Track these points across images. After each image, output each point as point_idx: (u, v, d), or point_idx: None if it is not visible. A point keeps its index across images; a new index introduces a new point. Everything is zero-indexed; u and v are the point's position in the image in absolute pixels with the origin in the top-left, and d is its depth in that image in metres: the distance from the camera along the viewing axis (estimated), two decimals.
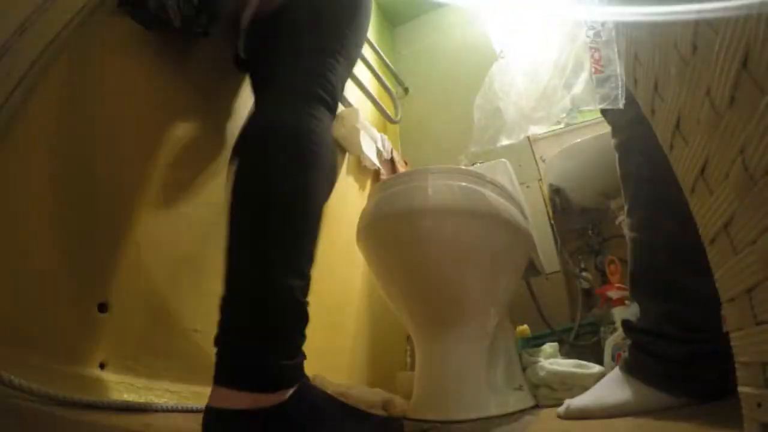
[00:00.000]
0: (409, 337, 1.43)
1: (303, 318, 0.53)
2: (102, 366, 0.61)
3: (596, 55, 0.69)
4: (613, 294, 1.17)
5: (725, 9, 0.27)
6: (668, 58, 0.37)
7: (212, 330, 0.51)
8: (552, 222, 1.58)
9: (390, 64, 2.07)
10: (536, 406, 0.96)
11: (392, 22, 2.38)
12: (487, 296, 0.95)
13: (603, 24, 0.68)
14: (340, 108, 0.98)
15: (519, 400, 0.93)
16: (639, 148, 0.74)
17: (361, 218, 0.97)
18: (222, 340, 0.49)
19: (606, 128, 1.46)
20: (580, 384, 0.94)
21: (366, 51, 1.86)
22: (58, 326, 0.57)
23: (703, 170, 0.35)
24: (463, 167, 1.13)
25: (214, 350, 0.49)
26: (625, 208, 0.79)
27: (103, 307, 0.64)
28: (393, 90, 2.04)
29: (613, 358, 1.04)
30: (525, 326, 1.29)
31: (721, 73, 0.28)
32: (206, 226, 0.80)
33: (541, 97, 0.81)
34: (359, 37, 0.72)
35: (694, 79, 0.33)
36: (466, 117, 2.02)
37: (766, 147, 0.25)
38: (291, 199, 0.54)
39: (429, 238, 0.86)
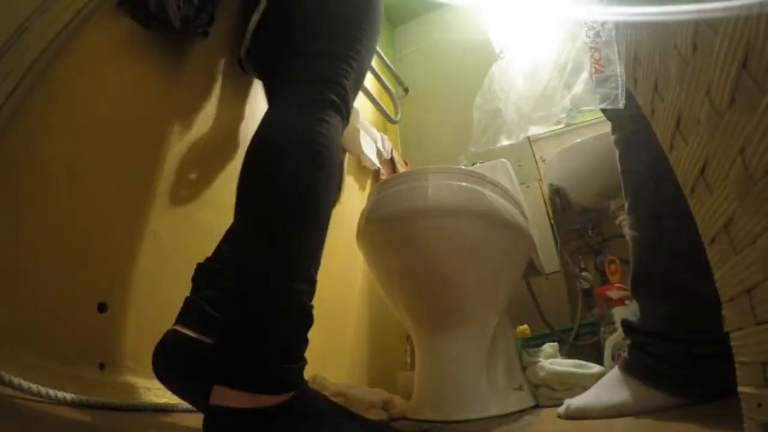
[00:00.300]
0: (409, 337, 1.43)
1: (307, 321, 0.53)
2: (102, 366, 0.61)
3: (596, 55, 0.69)
4: (613, 294, 1.17)
5: (725, 9, 0.27)
6: (668, 58, 0.37)
7: None
8: (552, 222, 1.58)
9: (390, 64, 2.07)
10: (536, 406, 0.96)
11: (392, 22, 2.38)
12: (487, 296, 0.95)
13: (603, 24, 0.68)
14: None
15: (519, 400, 0.93)
16: (641, 144, 0.73)
17: (361, 218, 0.97)
18: (224, 337, 0.49)
19: (606, 128, 1.46)
20: (580, 384, 0.94)
21: None
22: (58, 326, 0.57)
23: (703, 170, 0.35)
24: (463, 167, 1.13)
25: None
26: (626, 205, 0.78)
27: (103, 307, 0.64)
28: (393, 90, 2.04)
29: (613, 358, 1.04)
30: (525, 326, 1.29)
31: (721, 73, 0.28)
32: (209, 226, 0.80)
33: (541, 97, 0.81)
34: (372, 43, 0.72)
35: (694, 79, 0.33)
36: (466, 117, 2.02)
37: (766, 147, 0.25)
38: (300, 204, 0.54)
39: (429, 238, 0.86)
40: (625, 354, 0.75)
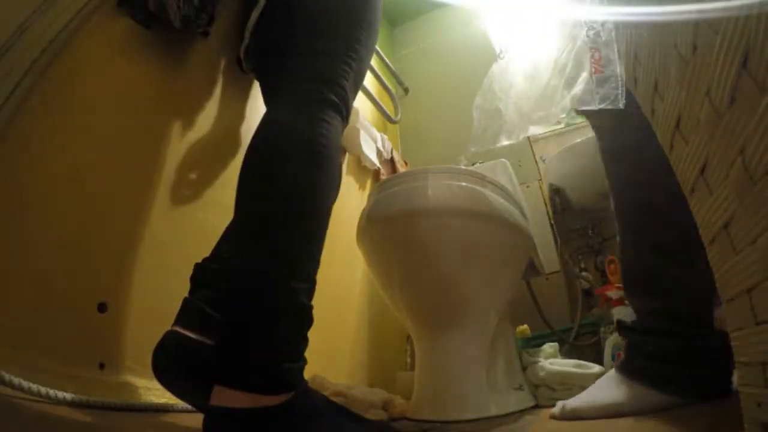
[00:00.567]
0: (409, 337, 1.43)
1: (307, 321, 0.53)
2: (102, 366, 0.61)
3: (596, 55, 0.69)
4: (613, 294, 1.17)
5: (725, 9, 0.27)
6: (668, 58, 0.37)
7: None
8: (552, 222, 1.58)
9: (390, 64, 2.07)
10: (536, 406, 0.96)
11: (392, 22, 2.38)
12: (487, 296, 0.95)
13: (603, 24, 0.67)
14: None
15: (519, 400, 0.93)
16: (619, 154, 0.77)
17: (361, 218, 0.97)
18: (223, 338, 0.49)
19: None
20: (579, 384, 0.94)
21: None
22: (58, 326, 0.57)
23: (703, 170, 0.35)
24: (463, 167, 1.13)
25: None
26: (612, 208, 0.80)
27: (102, 307, 0.64)
28: (393, 90, 2.04)
29: (613, 358, 1.04)
30: (525, 326, 1.29)
31: (721, 73, 0.28)
32: (209, 226, 0.80)
33: (541, 97, 0.81)
34: (371, 43, 0.72)
35: (694, 79, 0.33)
36: (466, 117, 2.01)
37: (766, 147, 0.25)
38: (300, 204, 0.54)
39: (429, 238, 0.86)
40: (622, 357, 0.75)
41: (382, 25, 2.31)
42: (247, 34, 0.76)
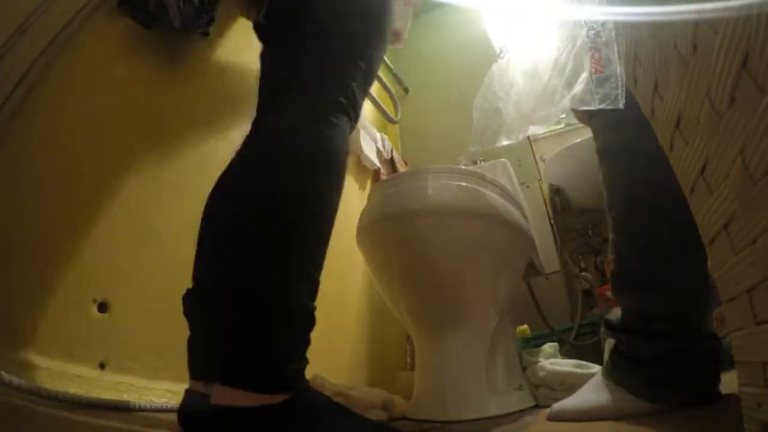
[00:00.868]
0: (409, 337, 1.43)
1: (309, 322, 0.53)
2: (102, 366, 0.61)
3: (596, 55, 0.69)
4: None
5: (725, 9, 0.27)
6: (668, 58, 0.37)
7: None
8: (552, 222, 1.58)
9: (390, 64, 2.07)
10: (536, 406, 0.96)
11: None
12: (487, 296, 0.95)
13: (603, 24, 0.68)
14: None
15: (519, 400, 0.93)
16: (613, 152, 0.77)
17: (361, 218, 0.97)
18: (224, 337, 0.49)
19: None
20: (579, 384, 0.94)
21: None
22: (57, 326, 0.57)
23: (703, 170, 0.35)
24: (462, 167, 1.13)
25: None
26: (606, 209, 0.79)
27: (103, 307, 0.64)
28: (393, 90, 2.04)
29: None
30: (525, 326, 1.29)
31: (721, 73, 0.28)
32: None
33: (541, 97, 0.81)
34: (382, 45, 0.71)
35: (694, 79, 0.33)
36: (466, 117, 2.01)
37: (766, 147, 0.25)
38: (303, 205, 0.54)
39: (429, 238, 0.86)
40: (606, 360, 0.75)
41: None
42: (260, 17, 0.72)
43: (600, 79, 0.68)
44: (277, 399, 0.47)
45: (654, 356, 0.65)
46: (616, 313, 0.76)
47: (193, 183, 0.83)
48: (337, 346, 1.20)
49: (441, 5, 2.27)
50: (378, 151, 1.61)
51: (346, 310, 1.30)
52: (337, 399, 0.74)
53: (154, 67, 0.80)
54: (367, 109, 1.79)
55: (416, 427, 0.80)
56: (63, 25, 0.65)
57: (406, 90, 2.20)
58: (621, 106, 0.66)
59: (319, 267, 0.55)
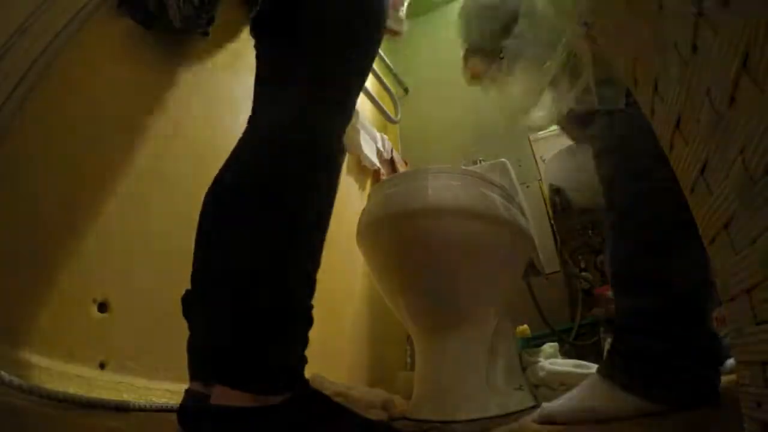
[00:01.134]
0: (409, 337, 1.43)
1: (307, 321, 0.53)
2: (102, 366, 0.61)
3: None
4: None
5: (725, 9, 0.27)
6: (668, 58, 0.37)
7: None
8: (552, 222, 1.58)
9: (390, 64, 2.07)
10: (536, 406, 0.95)
11: None
12: (487, 296, 0.95)
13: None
14: None
15: (519, 400, 0.93)
16: (612, 151, 0.77)
17: (361, 218, 0.97)
18: (223, 338, 0.49)
19: None
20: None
21: None
22: (58, 326, 0.57)
23: (703, 170, 0.35)
24: (462, 167, 1.13)
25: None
26: (605, 210, 0.80)
27: (103, 307, 0.64)
28: (393, 90, 2.04)
29: None
30: (525, 326, 1.29)
31: (721, 73, 0.28)
32: None
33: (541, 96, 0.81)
34: (376, 43, 0.71)
35: (694, 79, 0.33)
36: (466, 117, 2.02)
37: (766, 147, 0.25)
38: (300, 204, 0.54)
39: (429, 238, 0.86)
40: (602, 359, 0.74)
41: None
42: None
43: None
44: (276, 399, 0.47)
45: (653, 355, 0.64)
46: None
47: (193, 183, 0.83)
48: (337, 345, 1.20)
49: (441, 5, 2.27)
50: (378, 151, 1.61)
51: (346, 310, 1.30)
52: (336, 399, 0.74)
53: (154, 67, 0.80)
54: (367, 109, 1.79)
55: (416, 427, 0.80)
56: (63, 25, 0.65)
57: (406, 90, 2.20)
58: (621, 105, 0.66)
59: (316, 266, 0.55)
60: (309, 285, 0.53)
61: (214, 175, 0.57)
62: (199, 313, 0.52)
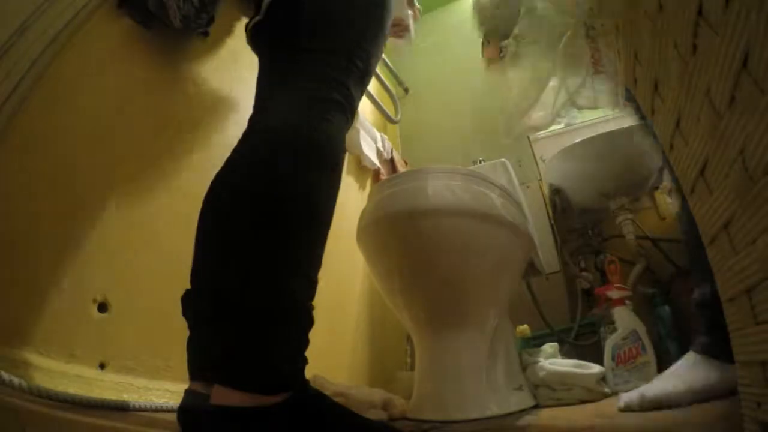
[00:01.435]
0: (409, 337, 1.43)
1: (307, 321, 0.53)
2: (102, 366, 0.61)
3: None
4: (613, 294, 1.17)
5: (725, 9, 0.27)
6: (668, 58, 0.37)
7: None
8: (552, 222, 1.58)
9: (390, 64, 2.07)
10: (536, 406, 0.96)
11: None
12: (487, 296, 0.95)
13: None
14: None
15: (519, 400, 0.93)
16: None
17: (361, 218, 0.97)
18: (223, 337, 0.49)
19: (606, 128, 1.46)
20: (579, 384, 0.94)
21: None
22: (58, 326, 0.57)
23: (703, 170, 0.35)
24: (462, 167, 1.13)
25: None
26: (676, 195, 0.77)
27: (103, 307, 0.64)
28: (393, 90, 2.04)
29: (613, 359, 1.04)
30: (525, 326, 1.29)
31: (721, 73, 0.28)
32: None
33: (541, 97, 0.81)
34: (380, 42, 0.70)
35: (694, 79, 0.33)
36: (466, 117, 2.02)
37: (766, 147, 0.25)
38: (300, 204, 0.54)
39: (429, 239, 0.86)
40: (701, 337, 0.71)
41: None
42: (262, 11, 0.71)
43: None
44: (276, 399, 0.47)
45: None
46: (701, 292, 0.72)
47: (193, 182, 0.83)
48: (337, 346, 1.20)
49: (441, 5, 2.27)
50: (378, 151, 1.61)
51: (346, 310, 1.30)
52: (337, 399, 0.74)
53: (154, 67, 0.80)
54: (367, 109, 1.79)
55: (416, 427, 0.80)
56: (63, 25, 0.65)
57: (406, 90, 2.20)
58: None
59: (316, 266, 0.55)
60: (309, 285, 0.53)
61: (214, 174, 0.56)
62: (198, 313, 0.52)
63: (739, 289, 0.32)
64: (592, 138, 1.43)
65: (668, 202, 1.50)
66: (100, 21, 0.71)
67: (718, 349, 0.66)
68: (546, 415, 0.85)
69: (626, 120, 1.15)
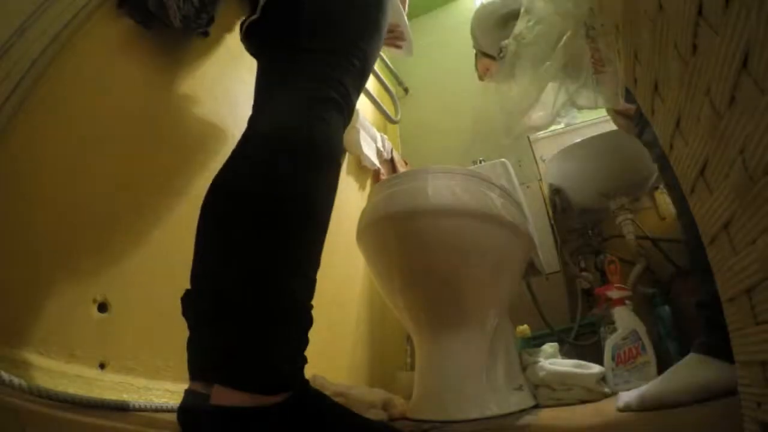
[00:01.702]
0: (409, 337, 1.43)
1: (307, 321, 0.53)
2: (102, 366, 0.61)
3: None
4: (613, 294, 1.17)
5: (725, 9, 0.27)
6: (668, 58, 0.37)
7: None
8: (552, 222, 1.58)
9: (390, 64, 2.07)
10: (536, 406, 0.96)
11: None
12: (487, 296, 0.95)
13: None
14: None
15: (519, 400, 0.93)
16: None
17: (361, 218, 0.97)
18: (222, 337, 0.49)
19: (606, 128, 1.46)
20: (580, 384, 0.94)
21: None
22: (58, 326, 0.57)
23: (703, 170, 0.35)
24: (462, 167, 1.13)
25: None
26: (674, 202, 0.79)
27: (103, 307, 0.64)
28: (393, 90, 2.04)
29: (613, 358, 1.04)
30: (525, 326, 1.29)
31: (721, 73, 0.28)
32: None
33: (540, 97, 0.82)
34: (377, 42, 0.70)
35: (694, 79, 0.33)
36: (466, 117, 2.02)
37: (766, 147, 0.25)
38: (299, 204, 0.54)
39: (429, 238, 0.86)
40: (702, 338, 0.72)
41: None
42: (258, 12, 0.71)
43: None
44: (276, 399, 0.47)
45: None
46: (705, 291, 0.73)
47: (193, 182, 0.83)
48: (337, 346, 1.20)
49: (441, 5, 2.27)
50: (378, 151, 1.61)
51: (346, 310, 1.30)
52: (337, 399, 0.74)
53: (154, 67, 0.80)
54: (367, 109, 1.79)
55: (416, 427, 0.80)
56: (63, 25, 0.65)
57: (406, 90, 2.20)
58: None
59: (316, 265, 0.55)
60: (309, 285, 0.53)
61: (214, 175, 0.56)
62: (199, 313, 0.52)
63: (739, 289, 0.32)
64: (592, 138, 1.43)
65: (668, 202, 1.50)
66: (100, 21, 0.71)
67: (718, 350, 0.66)
68: (546, 415, 0.85)
69: None
